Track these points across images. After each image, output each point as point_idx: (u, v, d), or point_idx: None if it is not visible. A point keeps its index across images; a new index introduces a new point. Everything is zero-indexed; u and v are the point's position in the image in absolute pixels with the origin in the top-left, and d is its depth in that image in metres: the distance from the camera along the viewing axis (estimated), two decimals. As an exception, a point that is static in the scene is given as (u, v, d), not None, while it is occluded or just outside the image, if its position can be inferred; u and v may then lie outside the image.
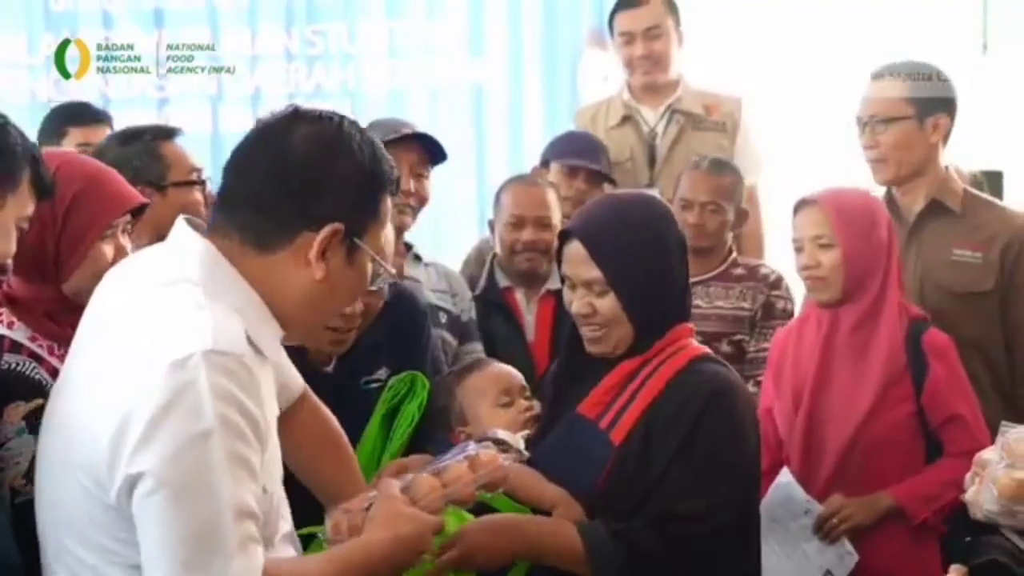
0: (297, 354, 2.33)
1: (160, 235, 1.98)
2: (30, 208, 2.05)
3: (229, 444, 1.70)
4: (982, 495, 2.03)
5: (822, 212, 3.07)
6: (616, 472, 2.30)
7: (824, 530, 3.00)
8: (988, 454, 2.05)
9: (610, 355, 2.39)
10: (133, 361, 1.72)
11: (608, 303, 2.35)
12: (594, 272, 2.34)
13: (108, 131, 4.03)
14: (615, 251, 2.35)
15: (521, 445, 2.46)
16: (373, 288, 2.09)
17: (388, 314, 2.74)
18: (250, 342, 1.79)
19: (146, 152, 2.96)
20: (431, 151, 3.58)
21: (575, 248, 2.38)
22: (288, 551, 1.94)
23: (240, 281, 1.82)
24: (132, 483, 1.68)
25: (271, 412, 1.86)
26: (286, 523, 1.96)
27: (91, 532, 1.76)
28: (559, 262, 2.46)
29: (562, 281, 2.47)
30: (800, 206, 3.13)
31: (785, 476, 3.04)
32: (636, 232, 2.37)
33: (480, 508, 2.32)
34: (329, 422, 2.30)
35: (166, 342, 1.71)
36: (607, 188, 3.98)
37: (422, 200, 3.48)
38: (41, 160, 2.07)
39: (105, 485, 1.71)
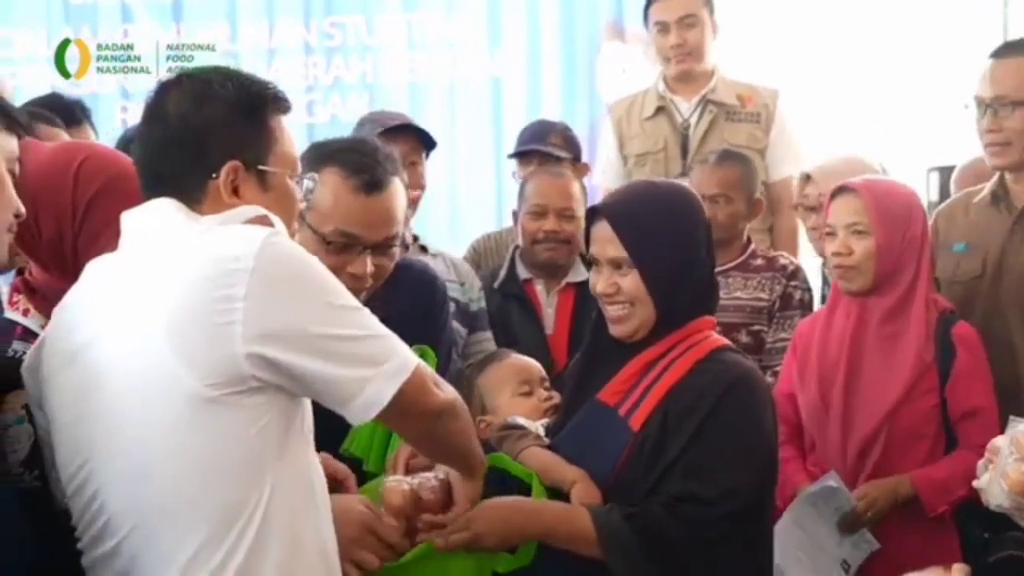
0: None
1: None
2: (15, 148, 2.07)
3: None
4: (992, 488, 2.02)
5: (861, 200, 3.05)
6: (634, 457, 2.30)
7: (848, 520, 2.99)
8: (1001, 441, 2.04)
9: (632, 338, 2.39)
10: (214, 270, 1.82)
11: (632, 281, 2.35)
12: (619, 250, 2.36)
13: (88, 128, 3.99)
14: (641, 230, 2.36)
15: (541, 431, 2.47)
16: (301, 203, 2.12)
17: (407, 290, 2.73)
18: None
19: None
20: (423, 138, 3.59)
21: (602, 227, 2.39)
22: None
23: None
24: (285, 355, 1.82)
25: None
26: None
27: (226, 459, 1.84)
28: (587, 243, 2.47)
29: (588, 266, 2.48)
30: (838, 192, 3.11)
31: (834, 480, 3.00)
32: (663, 215, 2.39)
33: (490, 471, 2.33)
34: None
35: (236, 241, 1.83)
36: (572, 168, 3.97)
37: (416, 187, 3.48)
38: (6, 102, 2.11)
39: (230, 377, 1.81)
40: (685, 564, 2.26)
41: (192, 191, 1.95)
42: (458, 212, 5.44)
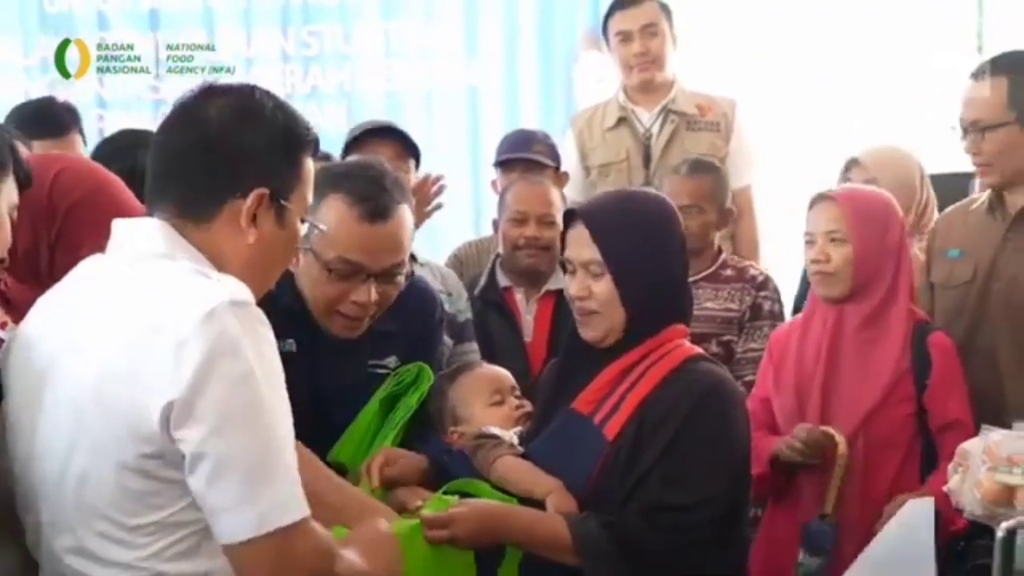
0: (303, 317, 2.45)
1: None
2: (16, 196, 2.04)
3: (269, 381, 1.78)
4: (966, 496, 2.04)
5: (839, 208, 3.08)
6: (609, 467, 2.32)
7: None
8: (970, 445, 2.06)
9: (602, 343, 2.41)
10: (151, 330, 1.76)
11: (603, 285, 2.37)
12: (593, 253, 2.38)
13: (77, 136, 3.89)
14: (616, 234, 2.38)
15: (515, 440, 2.48)
16: (304, 247, 2.09)
17: (411, 306, 2.73)
18: None
19: None
20: (409, 147, 3.60)
21: (578, 230, 2.42)
22: None
23: (195, 250, 1.89)
24: (185, 437, 1.73)
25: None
26: None
27: (126, 504, 1.79)
28: (563, 247, 2.47)
29: (564, 269, 2.49)
30: (816, 201, 3.14)
31: None
32: (639, 221, 2.41)
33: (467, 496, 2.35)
34: None
35: (184, 303, 1.76)
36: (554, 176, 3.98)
37: None
38: (17, 148, 2.07)
39: (153, 450, 1.75)
40: (662, 572, 2.28)
41: (207, 206, 1.90)
42: (435, 220, 5.41)
